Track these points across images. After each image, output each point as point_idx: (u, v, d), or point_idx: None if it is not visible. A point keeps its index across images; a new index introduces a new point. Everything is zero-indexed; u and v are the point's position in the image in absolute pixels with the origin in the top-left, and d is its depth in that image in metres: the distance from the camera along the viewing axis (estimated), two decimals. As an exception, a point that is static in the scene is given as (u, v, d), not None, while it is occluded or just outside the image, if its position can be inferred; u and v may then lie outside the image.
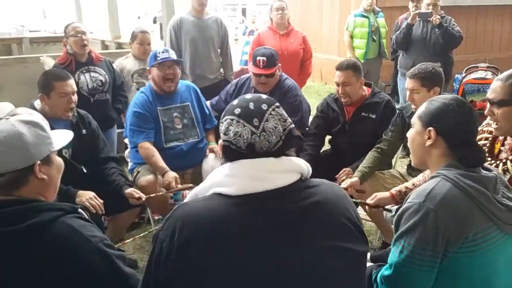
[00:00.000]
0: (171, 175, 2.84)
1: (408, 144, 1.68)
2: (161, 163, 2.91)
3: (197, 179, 3.18)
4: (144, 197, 2.68)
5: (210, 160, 3.17)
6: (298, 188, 1.24)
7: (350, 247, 1.22)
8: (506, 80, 1.88)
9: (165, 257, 1.16)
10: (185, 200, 1.35)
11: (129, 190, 2.68)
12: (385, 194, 2.39)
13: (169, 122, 3.13)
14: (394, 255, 1.46)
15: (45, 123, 1.45)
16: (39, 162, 1.37)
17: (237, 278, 1.13)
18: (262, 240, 1.16)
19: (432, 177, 1.50)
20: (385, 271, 1.51)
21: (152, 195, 2.74)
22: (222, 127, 1.28)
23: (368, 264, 1.85)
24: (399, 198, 2.37)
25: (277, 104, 1.30)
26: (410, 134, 1.65)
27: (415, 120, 1.62)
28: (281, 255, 1.16)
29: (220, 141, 1.30)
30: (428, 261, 1.39)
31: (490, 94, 1.95)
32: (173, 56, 3.11)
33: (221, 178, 1.24)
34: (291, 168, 1.25)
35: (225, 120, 1.28)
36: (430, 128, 1.54)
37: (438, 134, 1.52)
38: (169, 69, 3.07)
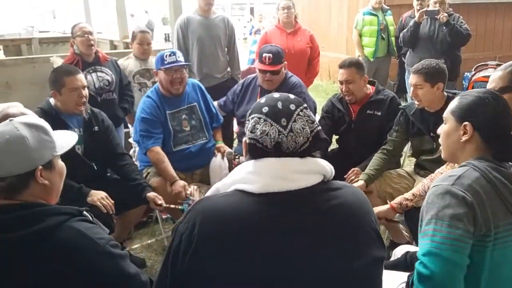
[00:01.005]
0: (181, 184, 2.85)
1: (441, 140, 1.64)
2: (171, 171, 2.91)
3: (205, 179, 3.20)
4: (164, 204, 2.71)
5: (218, 160, 3.17)
6: (321, 190, 1.23)
7: (369, 252, 1.21)
8: (505, 69, 1.90)
9: (183, 250, 1.16)
10: (207, 195, 1.35)
11: (152, 195, 2.72)
12: (385, 206, 2.39)
13: (178, 125, 3.13)
14: (426, 244, 1.38)
15: (48, 126, 1.44)
16: (40, 167, 1.36)
17: (254, 276, 1.13)
18: (282, 240, 1.16)
19: (461, 166, 1.47)
20: (422, 269, 1.38)
21: (172, 206, 2.75)
22: (248, 125, 1.27)
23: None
24: (400, 210, 2.36)
25: (305, 105, 1.29)
26: (443, 130, 1.61)
27: (448, 116, 1.58)
28: (300, 256, 1.15)
29: (245, 139, 1.29)
30: (463, 241, 1.33)
31: (489, 85, 1.94)
32: (181, 58, 3.09)
33: (244, 174, 1.23)
34: (315, 170, 1.24)
35: (252, 118, 1.26)
36: (466, 123, 1.50)
37: (475, 129, 1.49)
38: (177, 73, 3.06)
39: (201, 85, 3.37)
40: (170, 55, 3.05)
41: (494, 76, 1.95)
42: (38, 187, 1.37)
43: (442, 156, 1.68)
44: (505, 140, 1.48)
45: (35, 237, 1.27)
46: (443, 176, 1.45)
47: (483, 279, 1.40)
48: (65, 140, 1.52)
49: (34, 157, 1.35)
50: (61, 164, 1.48)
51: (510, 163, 1.49)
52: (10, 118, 1.41)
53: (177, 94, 3.11)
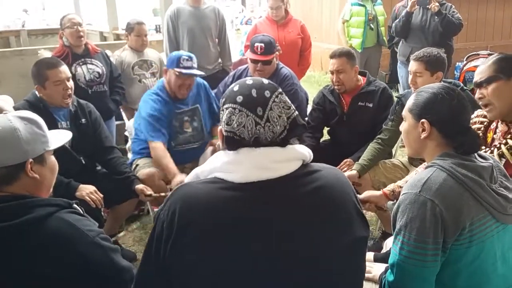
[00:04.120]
0: (181, 178, 2.80)
1: (403, 138, 1.66)
2: (173, 166, 2.85)
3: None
4: (154, 194, 2.68)
5: (208, 154, 3.16)
6: (301, 174, 1.22)
7: (352, 231, 1.22)
8: (489, 60, 1.92)
9: (165, 237, 1.15)
10: (186, 180, 1.33)
11: (141, 187, 2.70)
12: (377, 192, 2.38)
13: (179, 126, 3.10)
14: (394, 254, 1.43)
15: (42, 121, 1.43)
16: (31, 160, 1.36)
17: (236, 264, 1.13)
18: (263, 227, 1.15)
19: (427, 167, 1.48)
20: (389, 276, 1.47)
21: (162, 194, 2.71)
22: (223, 116, 1.24)
23: (372, 264, 1.83)
24: (393, 198, 2.36)
25: (280, 90, 1.27)
26: (403, 128, 1.62)
27: (406, 114, 1.60)
28: (282, 241, 1.15)
29: (221, 129, 1.26)
30: (431, 255, 1.36)
31: (476, 77, 1.96)
32: (195, 64, 3.02)
33: (223, 164, 1.22)
34: (295, 156, 1.23)
35: (227, 108, 1.23)
36: (423, 120, 1.51)
37: (432, 125, 1.50)
38: (188, 80, 3.00)
39: (206, 84, 3.29)
40: (187, 60, 2.95)
41: (478, 71, 1.96)
42: (27, 181, 1.36)
43: (408, 153, 1.70)
44: (463, 133, 1.48)
45: (24, 227, 1.26)
46: (412, 181, 1.45)
47: (463, 276, 1.42)
48: (59, 137, 1.52)
49: (25, 149, 1.34)
50: (53, 160, 1.47)
51: (475, 154, 1.50)
52: (4, 112, 1.41)
53: (181, 98, 3.06)
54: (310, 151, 1.27)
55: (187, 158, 3.16)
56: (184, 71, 2.94)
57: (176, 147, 3.09)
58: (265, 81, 1.28)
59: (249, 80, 1.28)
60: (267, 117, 1.20)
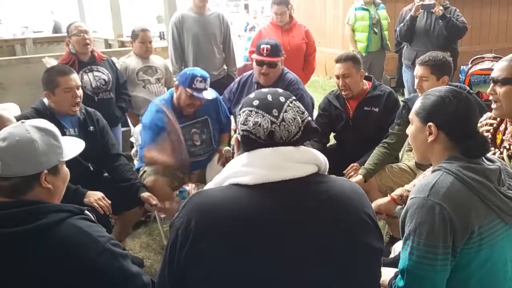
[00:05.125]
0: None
1: (410, 141, 1.65)
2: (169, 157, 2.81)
3: (203, 179, 3.19)
4: (159, 204, 2.68)
5: (214, 162, 3.18)
6: (316, 181, 1.23)
7: (368, 242, 1.21)
8: (510, 60, 1.89)
9: (180, 244, 1.16)
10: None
11: (146, 195, 2.68)
12: (385, 199, 2.37)
13: (189, 139, 3.08)
14: (403, 259, 1.42)
15: (58, 131, 1.45)
16: (46, 171, 1.37)
17: (252, 268, 1.13)
18: (278, 232, 1.15)
19: (434, 171, 1.47)
20: (399, 282, 1.46)
21: (167, 205, 2.72)
22: (240, 118, 1.27)
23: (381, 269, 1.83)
24: (401, 202, 2.35)
25: (294, 97, 1.31)
26: (410, 131, 1.62)
27: (412, 117, 1.59)
28: (298, 247, 1.15)
29: (236, 135, 1.29)
30: (441, 259, 1.35)
31: (494, 73, 1.95)
32: (208, 85, 2.98)
33: (238, 168, 1.23)
34: (309, 159, 1.24)
35: (243, 111, 1.27)
36: (430, 123, 1.50)
37: (439, 128, 1.49)
38: (198, 101, 2.98)
39: (218, 97, 3.26)
40: (200, 81, 2.91)
41: (498, 66, 1.95)
42: (41, 190, 1.38)
43: (415, 158, 1.69)
44: (471, 137, 1.47)
45: (36, 232, 1.28)
46: (419, 185, 1.44)
47: (473, 280, 1.40)
48: (73, 147, 1.54)
49: (41, 161, 1.37)
50: (65, 170, 1.49)
51: (482, 157, 1.49)
52: (22, 120, 1.43)
53: (187, 115, 3.05)
54: (326, 159, 1.28)
55: (195, 166, 3.17)
56: (195, 94, 2.91)
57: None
58: (280, 90, 1.32)
59: (264, 89, 1.32)
60: (282, 117, 1.23)
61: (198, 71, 3.00)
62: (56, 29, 12.56)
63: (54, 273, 1.27)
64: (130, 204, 2.77)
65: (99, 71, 3.57)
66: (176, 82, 3.04)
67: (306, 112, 1.29)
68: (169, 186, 2.93)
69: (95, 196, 2.50)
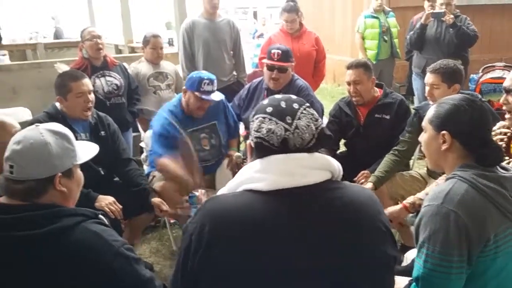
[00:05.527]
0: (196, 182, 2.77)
1: (423, 149, 1.65)
2: (183, 172, 2.77)
3: (212, 184, 3.19)
4: (170, 210, 2.69)
5: (224, 167, 3.18)
6: (330, 187, 1.23)
7: (382, 250, 1.21)
8: None
9: (194, 249, 1.16)
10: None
11: (157, 201, 2.69)
12: (397, 207, 2.36)
13: (197, 144, 3.08)
14: (418, 267, 1.40)
15: (71, 135, 1.46)
16: (60, 174, 1.38)
17: (264, 274, 1.13)
18: (291, 238, 1.15)
19: (448, 179, 1.47)
20: None
21: (178, 211, 2.72)
22: (253, 125, 1.27)
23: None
24: (413, 210, 2.34)
25: (308, 104, 1.30)
26: (423, 139, 1.61)
27: (426, 125, 1.59)
28: (310, 254, 1.14)
29: (249, 141, 1.29)
30: (456, 267, 1.34)
31: (506, 82, 1.95)
32: (215, 88, 3.01)
33: (252, 174, 1.23)
34: (323, 165, 1.24)
35: (257, 118, 1.27)
36: (444, 132, 1.50)
37: (453, 137, 1.49)
38: (207, 103, 3.00)
39: (225, 101, 3.28)
40: (208, 84, 2.94)
41: (511, 75, 1.95)
42: (55, 194, 1.38)
43: (428, 166, 1.69)
44: (485, 145, 1.46)
45: (50, 236, 1.28)
46: (433, 193, 1.43)
47: (490, 286, 1.39)
48: (86, 150, 1.55)
49: (55, 164, 1.37)
50: (79, 173, 1.50)
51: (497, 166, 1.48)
52: (36, 124, 1.44)
53: (197, 117, 3.07)
54: (339, 165, 1.27)
55: (205, 171, 3.16)
56: (204, 96, 2.94)
57: None
58: (293, 96, 1.32)
59: (278, 95, 1.32)
60: (296, 125, 1.23)
61: (205, 74, 3.03)
62: (57, 35, 12.77)
63: (68, 276, 1.27)
64: (140, 209, 2.78)
65: (111, 76, 3.60)
66: (184, 87, 3.07)
67: (320, 119, 1.29)
68: (178, 191, 2.93)
69: (106, 201, 2.51)
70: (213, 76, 3.04)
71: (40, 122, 2.34)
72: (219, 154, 3.20)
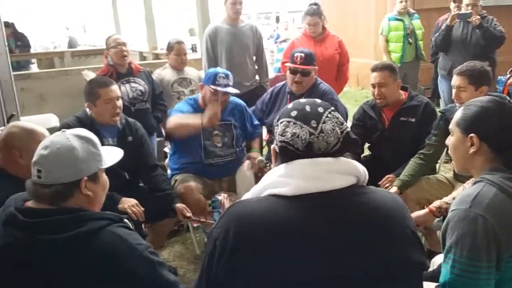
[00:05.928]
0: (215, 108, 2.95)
1: (450, 152, 1.62)
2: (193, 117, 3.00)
3: (233, 186, 3.21)
4: (193, 218, 2.74)
5: (244, 168, 3.18)
6: (356, 192, 1.21)
7: (410, 256, 1.18)
8: None
9: (218, 254, 1.15)
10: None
11: (180, 207, 2.73)
12: (423, 211, 2.32)
13: (208, 140, 3.14)
14: (445, 273, 1.37)
15: (97, 140, 1.49)
16: (86, 178, 1.40)
17: (288, 280, 1.11)
18: (319, 243, 1.13)
19: (475, 182, 1.43)
20: None
21: (201, 219, 2.79)
22: (278, 129, 1.26)
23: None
24: (440, 215, 2.29)
25: (333, 108, 1.29)
26: (450, 142, 1.58)
27: (453, 128, 1.56)
28: (338, 259, 1.13)
29: (274, 146, 1.28)
30: (485, 272, 1.31)
31: None
32: (231, 82, 3.08)
33: (276, 178, 1.22)
34: (349, 170, 1.22)
35: (281, 122, 1.25)
36: (472, 134, 1.47)
37: (481, 140, 1.46)
38: (223, 97, 3.08)
39: (243, 106, 3.34)
40: (223, 77, 3.03)
41: None
42: (81, 197, 1.41)
43: (455, 169, 1.66)
44: None
45: (77, 240, 1.30)
46: (461, 197, 1.40)
47: None
48: (111, 155, 1.58)
49: (81, 168, 1.39)
50: (105, 177, 1.52)
51: None
52: (63, 130, 1.47)
53: None
54: (365, 170, 1.25)
55: (224, 172, 3.20)
56: (219, 88, 3.01)
57: (207, 160, 3.12)
58: (318, 100, 1.31)
59: (302, 99, 1.31)
60: (321, 128, 1.21)
61: (220, 69, 3.12)
62: (71, 45, 13.28)
63: (93, 280, 1.29)
64: (163, 214, 2.80)
65: (136, 82, 3.66)
66: (201, 83, 3.15)
67: (345, 123, 1.27)
68: (201, 192, 2.96)
69: (129, 203, 2.54)
70: (228, 72, 3.11)
71: (70, 126, 2.41)
72: (230, 152, 3.21)
